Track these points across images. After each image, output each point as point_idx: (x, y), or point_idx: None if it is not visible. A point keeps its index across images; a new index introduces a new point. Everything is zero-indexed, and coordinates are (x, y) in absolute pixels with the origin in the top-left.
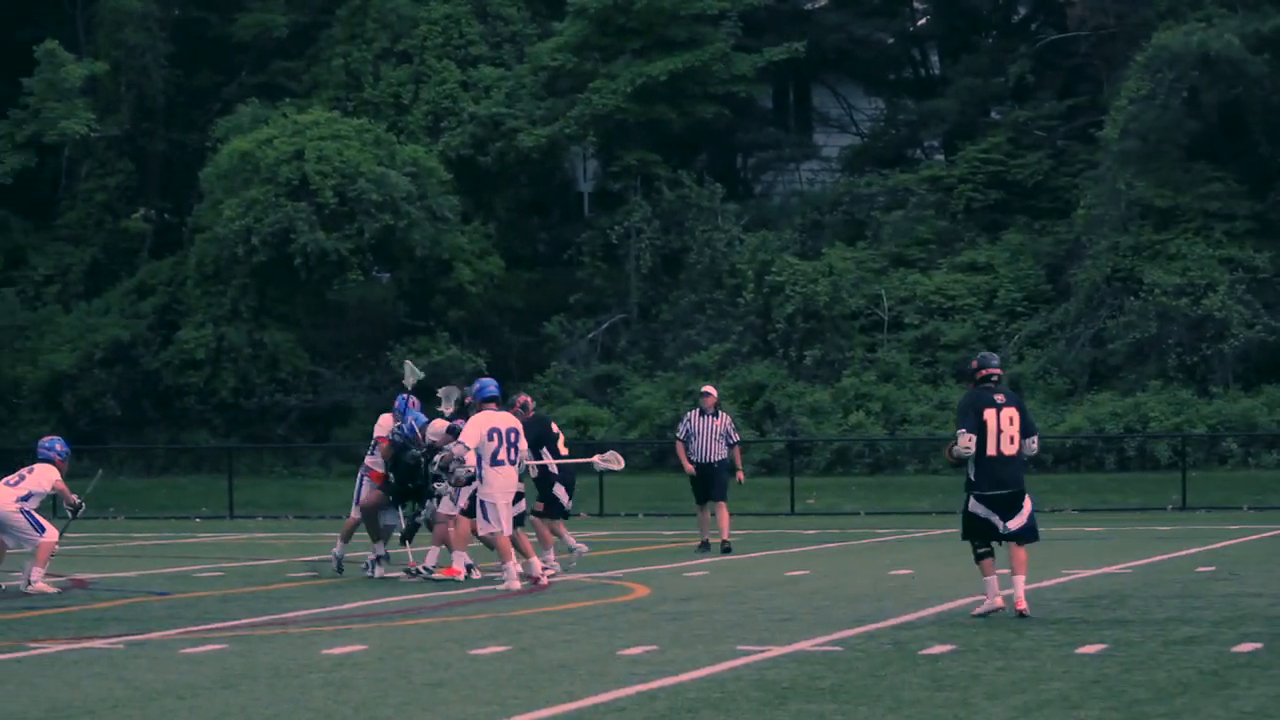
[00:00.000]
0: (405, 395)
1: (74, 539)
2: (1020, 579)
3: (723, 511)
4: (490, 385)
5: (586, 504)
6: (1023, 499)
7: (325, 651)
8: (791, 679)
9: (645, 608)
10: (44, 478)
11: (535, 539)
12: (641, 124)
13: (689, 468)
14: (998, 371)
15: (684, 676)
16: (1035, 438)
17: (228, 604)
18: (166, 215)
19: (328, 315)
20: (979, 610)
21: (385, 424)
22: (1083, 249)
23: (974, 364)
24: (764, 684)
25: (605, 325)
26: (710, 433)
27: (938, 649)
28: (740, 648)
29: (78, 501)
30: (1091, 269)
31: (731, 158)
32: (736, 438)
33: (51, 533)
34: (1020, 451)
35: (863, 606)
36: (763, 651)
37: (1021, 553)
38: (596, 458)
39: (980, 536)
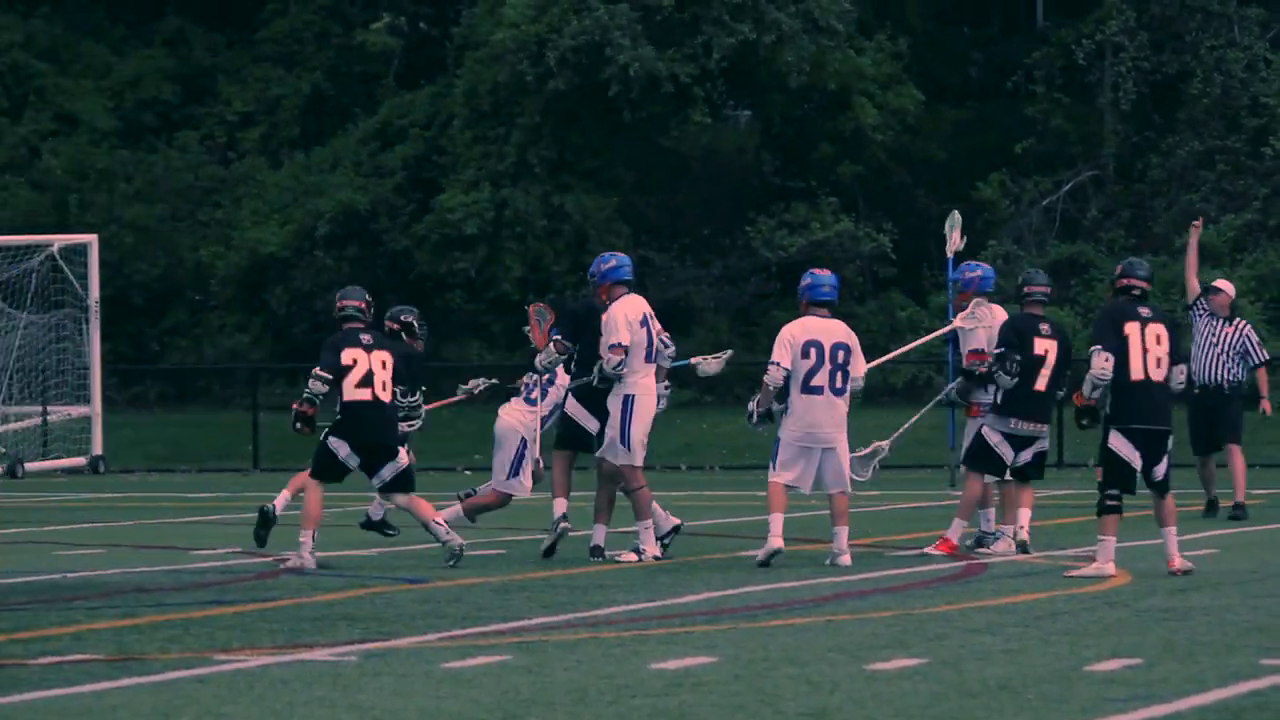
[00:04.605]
0: None
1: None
2: (1173, 530)
3: (1236, 458)
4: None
5: None
6: (1168, 442)
7: (655, 665)
8: None
9: (1125, 601)
10: None
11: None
12: None
13: None
14: (1144, 284)
15: (1182, 703)
16: (1182, 368)
17: (509, 596)
18: (422, 25)
19: (660, 172)
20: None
21: None
22: None
23: (1117, 269)
24: None
25: (1068, 186)
26: (1220, 344)
27: None
28: (1266, 662)
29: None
30: None
31: None
32: (1263, 356)
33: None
34: (1168, 379)
35: None
36: None
37: (1170, 501)
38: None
39: (1118, 483)
